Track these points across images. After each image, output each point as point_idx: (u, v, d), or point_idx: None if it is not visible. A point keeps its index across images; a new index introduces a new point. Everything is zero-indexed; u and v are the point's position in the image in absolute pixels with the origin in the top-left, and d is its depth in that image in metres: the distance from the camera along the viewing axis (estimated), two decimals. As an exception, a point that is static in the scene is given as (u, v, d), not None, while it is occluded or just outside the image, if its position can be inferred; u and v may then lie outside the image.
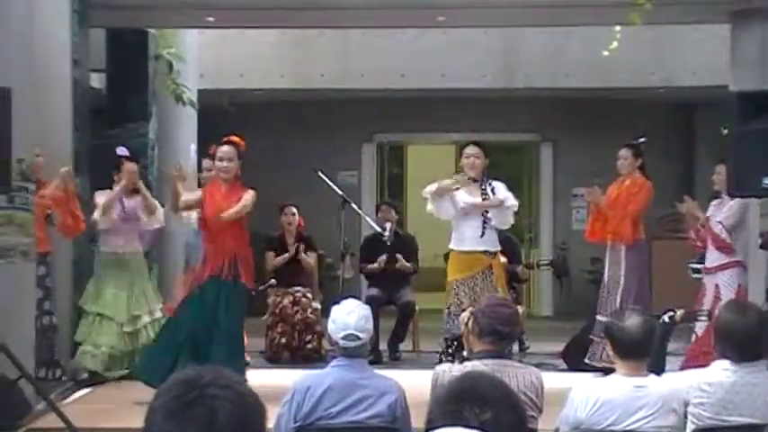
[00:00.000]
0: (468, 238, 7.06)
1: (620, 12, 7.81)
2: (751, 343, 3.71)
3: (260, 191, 6.93)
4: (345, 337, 3.89)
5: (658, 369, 3.98)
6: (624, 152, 7.71)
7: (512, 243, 8.78)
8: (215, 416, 1.60)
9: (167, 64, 9.58)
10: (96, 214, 7.55)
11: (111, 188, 7.69)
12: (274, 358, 8.60)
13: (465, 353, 4.02)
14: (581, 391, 3.69)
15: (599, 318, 7.50)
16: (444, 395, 2.00)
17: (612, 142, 8.36)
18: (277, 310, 8.70)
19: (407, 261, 9.06)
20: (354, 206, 8.34)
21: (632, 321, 3.65)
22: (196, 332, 6.49)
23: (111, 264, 7.73)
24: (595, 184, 7.80)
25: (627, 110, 12.06)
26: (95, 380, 7.52)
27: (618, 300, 7.46)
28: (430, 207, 7.18)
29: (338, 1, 8.21)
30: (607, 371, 3.96)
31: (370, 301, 8.68)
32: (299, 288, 8.83)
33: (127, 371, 7.53)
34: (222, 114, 10.44)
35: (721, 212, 7.29)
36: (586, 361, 7.59)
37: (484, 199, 7.06)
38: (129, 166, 7.76)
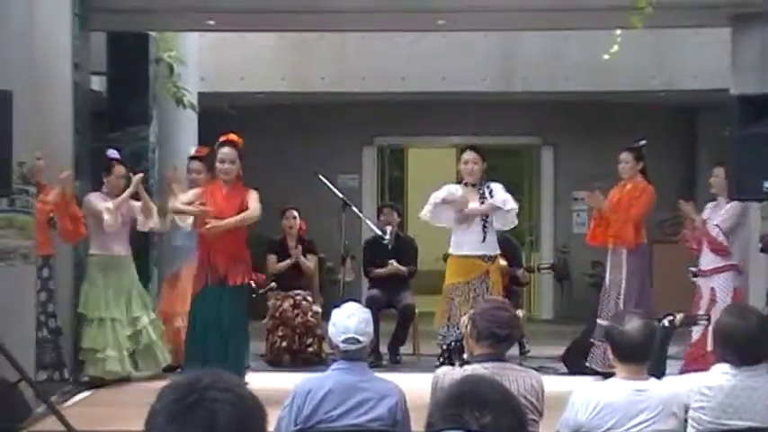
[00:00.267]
0: (468, 243, 7.02)
1: (620, 15, 7.82)
2: (751, 346, 3.70)
3: (260, 194, 6.93)
4: (346, 341, 3.89)
5: (659, 373, 3.97)
6: (625, 156, 7.69)
7: (512, 246, 8.78)
8: (215, 419, 1.60)
9: (168, 67, 9.59)
10: (110, 219, 7.55)
11: (99, 190, 7.74)
12: (275, 361, 8.60)
13: (465, 356, 4.01)
14: (581, 395, 3.68)
15: (600, 321, 7.49)
16: (444, 398, 2.00)
17: (613, 146, 8.36)
18: (277, 314, 8.70)
19: (407, 264, 9.06)
20: (355, 209, 8.34)
21: (633, 325, 3.65)
22: (206, 331, 6.52)
23: (108, 267, 7.73)
24: (596, 188, 7.79)
25: (627, 113, 12.07)
26: (96, 382, 7.53)
27: (619, 303, 7.45)
28: (425, 214, 7.14)
29: (338, 4, 8.22)
30: (607, 375, 3.96)
31: (370, 301, 8.72)
32: (299, 291, 8.83)
33: (129, 373, 7.59)
34: (222, 117, 10.44)
35: (718, 215, 7.29)
36: (587, 364, 7.59)
37: (482, 203, 7.03)
38: (119, 170, 7.78)
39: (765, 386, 3.70)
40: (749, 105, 6.13)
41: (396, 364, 8.78)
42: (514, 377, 3.69)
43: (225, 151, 6.68)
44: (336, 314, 3.99)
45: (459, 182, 7.20)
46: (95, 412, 6.76)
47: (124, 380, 7.61)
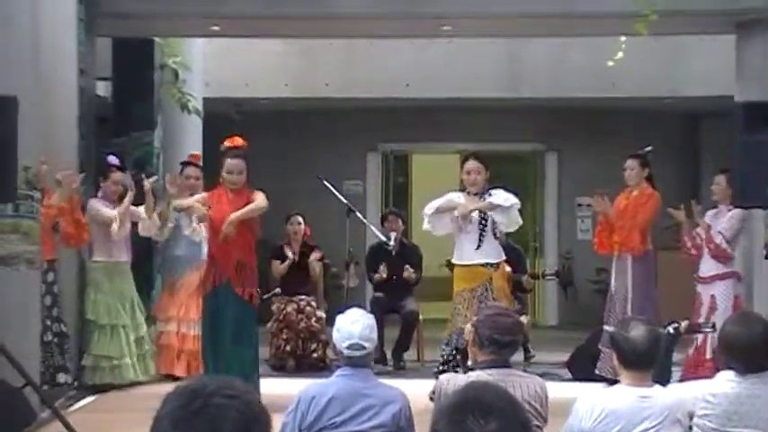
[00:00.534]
0: (466, 251, 6.99)
1: (625, 22, 7.82)
2: (756, 354, 3.70)
3: (266, 198, 6.94)
4: (350, 347, 3.89)
5: (663, 380, 3.96)
6: (631, 163, 7.68)
7: (516, 252, 8.77)
8: (220, 425, 1.60)
9: (173, 73, 9.61)
10: (118, 228, 7.57)
11: (96, 195, 7.78)
12: (279, 366, 8.60)
13: (469, 363, 4.01)
14: (586, 401, 3.68)
15: (606, 328, 7.48)
16: (449, 405, 2.00)
17: (617, 152, 8.36)
18: (281, 317, 8.69)
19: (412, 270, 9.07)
20: (359, 215, 8.35)
21: (637, 332, 3.64)
22: (216, 336, 6.56)
23: (114, 273, 7.74)
24: (602, 193, 7.76)
25: (632, 120, 12.07)
26: (102, 388, 7.54)
27: (626, 310, 7.43)
28: (426, 225, 7.14)
29: (343, 11, 8.23)
30: (614, 382, 3.95)
31: (374, 304, 8.73)
32: (303, 296, 8.83)
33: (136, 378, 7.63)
34: (227, 123, 10.45)
35: (720, 222, 7.28)
36: (597, 372, 7.55)
37: (481, 212, 6.98)
38: (116, 176, 7.79)
39: (770, 393, 3.70)
40: (754, 112, 6.13)
41: (400, 370, 8.78)
42: (518, 383, 3.68)
43: (233, 163, 6.67)
44: (341, 320, 3.99)
45: (461, 190, 7.17)
46: (100, 417, 6.76)
47: (129, 385, 7.61)
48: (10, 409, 5.56)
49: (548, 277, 9.79)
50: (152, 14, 8.30)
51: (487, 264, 6.96)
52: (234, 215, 6.55)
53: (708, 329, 5.84)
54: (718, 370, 3.88)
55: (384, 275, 8.93)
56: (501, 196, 6.99)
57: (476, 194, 7.01)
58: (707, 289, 7.27)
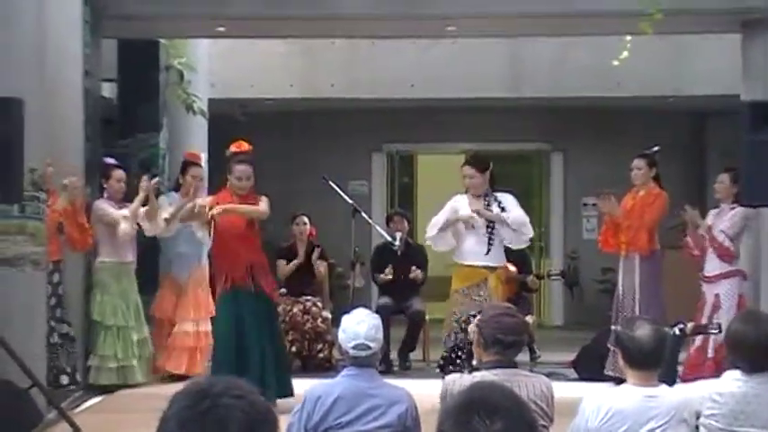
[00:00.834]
0: (471, 253, 6.93)
1: (629, 21, 7.82)
2: (762, 353, 3.69)
3: (270, 200, 6.95)
4: (356, 347, 3.89)
5: (670, 381, 3.96)
6: (638, 162, 7.66)
7: (522, 252, 8.76)
8: (227, 425, 1.60)
9: (178, 74, 9.62)
10: (127, 228, 7.59)
11: (101, 197, 7.79)
12: (285, 367, 8.60)
13: (474, 363, 4.01)
14: (592, 401, 3.68)
15: (614, 328, 7.46)
16: (455, 405, 2.00)
17: (622, 151, 8.36)
18: (287, 319, 8.70)
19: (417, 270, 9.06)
20: (365, 215, 8.35)
21: (643, 331, 3.64)
22: (236, 343, 6.59)
23: (121, 273, 7.75)
24: (608, 193, 7.74)
25: (637, 119, 12.05)
26: (108, 388, 7.56)
27: (633, 310, 7.42)
28: (428, 241, 7.13)
29: (348, 11, 8.23)
30: (620, 381, 3.95)
31: (380, 310, 8.71)
32: (309, 297, 8.83)
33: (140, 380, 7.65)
34: (232, 124, 10.47)
35: (723, 221, 7.28)
36: (605, 372, 7.54)
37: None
38: (118, 174, 7.80)
39: (777, 393, 3.69)
40: (759, 111, 6.12)
41: (405, 370, 8.78)
42: (524, 383, 3.68)
43: (242, 169, 6.72)
44: (346, 320, 3.99)
45: (466, 191, 7.13)
46: (106, 418, 6.77)
47: (135, 386, 7.63)
48: (17, 410, 5.58)
49: (553, 277, 9.78)
50: (157, 16, 8.32)
51: (488, 267, 6.94)
52: (231, 206, 6.59)
53: (713, 331, 5.83)
54: (720, 370, 3.88)
55: (390, 277, 8.93)
56: (515, 214, 6.89)
57: (479, 196, 6.98)
58: (712, 288, 7.27)
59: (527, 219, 7.02)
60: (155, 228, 7.91)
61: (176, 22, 8.66)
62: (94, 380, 7.57)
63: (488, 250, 6.90)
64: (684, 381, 4.98)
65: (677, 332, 4.44)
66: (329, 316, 8.74)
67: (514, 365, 3.82)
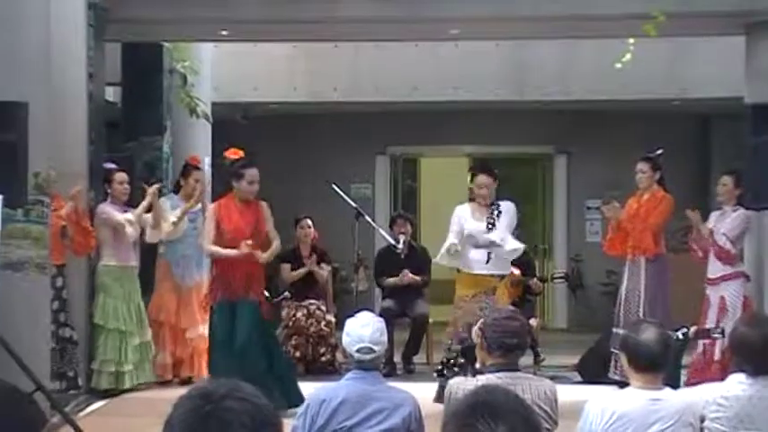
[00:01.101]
0: (476, 262, 6.94)
1: (633, 24, 7.81)
2: (767, 356, 3.69)
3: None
4: (360, 350, 3.89)
5: (672, 384, 3.95)
6: (642, 165, 7.65)
7: (526, 255, 8.75)
8: (230, 429, 1.60)
9: (181, 77, 9.63)
10: (132, 231, 7.59)
11: (105, 200, 7.79)
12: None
13: (478, 366, 4.01)
14: (596, 404, 3.67)
15: (616, 330, 7.46)
16: (458, 409, 2.00)
17: (626, 154, 8.36)
18: (291, 323, 8.70)
19: (421, 273, 9.06)
20: (368, 219, 8.35)
21: (649, 335, 3.63)
22: (243, 347, 6.64)
23: (124, 277, 7.75)
24: (613, 199, 7.74)
25: (641, 122, 12.04)
26: (112, 392, 7.56)
27: (638, 313, 7.41)
28: (439, 261, 7.09)
29: (351, 14, 8.23)
30: (625, 385, 3.95)
31: (384, 314, 8.70)
32: (312, 301, 8.83)
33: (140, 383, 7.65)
34: (236, 127, 10.47)
35: (724, 223, 7.27)
36: (609, 375, 7.52)
37: (489, 224, 6.89)
38: (121, 176, 7.81)
39: (782, 396, 3.68)
40: (763, 114, 6.12)
41: (409, 373, 8.77)
42: (528, 386, 3.68)
43: (253, 173, 6.80)
44: (351, 323, 3.99)
45: (471, 199, 7.07)
46: (110, 422, 6.78)
47: (138, 389, 7.63)
48: (20, 414, 5.57)
49: (557, 280, 9.78)
50: (161, 19, 8.33)
51: (494, 275, 6.92)
52: (263, 258, 6.78)
53: (717, 335, 5.83)
54: (727, 373, 3.87)
55: (404, 282, 8.90)
56: (503, 226, 6.88)
57: (485, 205, 6.96)
58: (715, 291, 7.26)
59: (517, 245, 7.00)
60: (157, 235, 7.92)
61: (180, 25, 8.67)
62: (96, 384, 7.57)
63: (488, 259, 6.90)
64: (690, 384, 4.99)
65: (680, 336, 4.44)
66: (333, 319, 8.73)
67: (518, 368, 3.82)
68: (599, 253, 8.36)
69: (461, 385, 3.72)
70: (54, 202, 6.82)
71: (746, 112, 7.45)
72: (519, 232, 7.99)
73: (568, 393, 5.59)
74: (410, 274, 8.96)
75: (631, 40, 8.86)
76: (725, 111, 10.66)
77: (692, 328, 4.62)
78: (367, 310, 4.29)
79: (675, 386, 4.07)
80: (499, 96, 11.24)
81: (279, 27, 8.68)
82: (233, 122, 10.63)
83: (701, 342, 7.16)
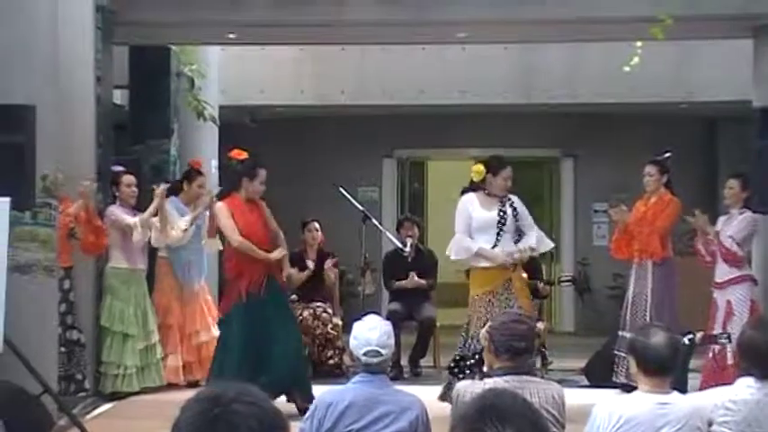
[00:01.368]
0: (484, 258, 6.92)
1: (640, 27, 7.80)
2: (775, 360, 3.68)
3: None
4: (367, 353, 3.89)
5: (680, 390, 3.94)
6: (650, 169, 7.64)
7: (533, 258, 8.74)
8: (238, 432, 1.61)
9: (189, 80, 9.65)
10: (140, 234, 7.60)
11: (113, 203, 7.81)
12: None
13: (485, 368, 4.01)
14: (604, 408, 3.67)
15: (622, 334, 7.44)
16: (466, 412, 2.00)
17: (633, 157, 8.35)
18: (298, 323, 8.69)
19: (428, 276, 9.06)
20: (375, 222, 8.35)
21: (658, 338, 3.62)
22: (250, 346, 6.66)
23: (131, 280, 7.76)
24: (621, 202, 7.72)
25: (648, 125, 12.03)
26: (119, 395, 7.57)
27: (645, 316, 7.40)
28: (455, 257, 7.04)
29: (357, 17, 8.24)
30: (630, 387, 3.94)
31: (391, 316, 8.71)
32: (319, 303, 8.83)
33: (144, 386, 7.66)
34: (243, 130, 10.49)
35: (731, 226, 7.25)
36: (613, 379, 7.50)
37: (501, 214, 6.91)
38: (128, 179, 7.82)
39: (790, 400, 3.67)
40: (771, 117, 6.10)
41: (416, 376, 8.77)
42: (535, 390, 3.68)
43: (264, 173, 6.91)
44: (358, 327, 3.99)
45: (471, 189, 7.00)
46: (117, 425, 6.79)
47: (146, 392, 7.64)
48: (28, 416, 5.58)
49: (564, 283, 9.76)
50: (168, 23, 8.34)
51: (503, 265, 6.82)
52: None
53: (723, 341, 5.80)
54: (740, 376, 3.86)
55: (411, 285, 8.91)
56: (531, 239, 6.90)
57: (495, 196, 6.92)
58: (723, 294, 7.23)
59: (541, 234, 7.02)
60: (163, 240, 7.92)
61: (187, 28, 8.68)
62: (103, 386, 7.58)
63: (495, 245, 6.80)
64: (704, 389, 4.97)
65: (686, 342, 4.44)
66: (340, 322, 8.74)
67: (526, 372, 3.81)
68: (606, 256, 8.35)
69: (469, 388, 3.72)
70: (62, 205, 6.84)
71: (754, 116, 7.44)
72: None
73: (575, 397, 5.58)
74: (416, 277, 8.96)
75: (639, 44, 8.85)
76: (732, 114, 10.65)
77: (699, 334, 4.60)
78: (374, 313, 4.29)
79: (683, 390, 4.06)
80: (506, 100, 11.23)
81: (286, 30, 8.69)
82: (240, 125, 10.64)
83: (714, 346, 7.14)
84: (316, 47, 10.62)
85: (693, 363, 6.46)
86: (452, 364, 6.84)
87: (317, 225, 9.09)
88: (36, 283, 6.15)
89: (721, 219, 7.47)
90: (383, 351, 3.90)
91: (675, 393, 3.68)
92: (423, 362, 9.01)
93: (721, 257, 7.23)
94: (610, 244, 8.04)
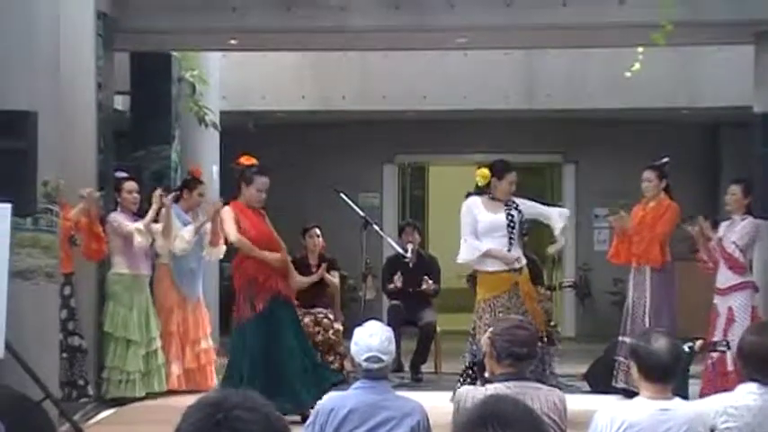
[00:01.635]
0: (492, 258, 6.92)
1: (642, 33, 7.81)
2: (777, 365, 3.67)
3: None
4: (368, 359, 3.89)
5: (682, 396, 3.94)
6: (648, 174, 7.63)
7: (534, 264, 8.73)
8: (240, 439, 1.60)
9: (190, 86, 9.66)
10: (143, 240, 7.60)
11: (114, 209, 7.81)
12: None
13: (487, 374, 4.00)
14: (605, 414, 3.66)
15: (623, 339, 7.43)
16: (468, 418, 2.00)
17: (635, 163, 8.34)
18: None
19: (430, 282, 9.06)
20: (376, 227, 8.35)
21: (660, 344, 3.62)
22: (268, 351, 6.68)
23: (134, 286, 7.76)
24: (621, 209, 7.72)
25: (649, 130, 12.03)
26: (120, 401, 7.56)
27: (644, 322, 7.39)
28: (465, 260, 7.01)
29: (359, 24, 8.25)
30: (631, 393, 3.94)
31: (391, 312, 8.74)
32: (320, 309, 8.82)
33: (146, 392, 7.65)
34: (244, 136, 10.49)
35: (734, 232, 7.24)
36: (613, 384, 7.49)
37: (509, 217, 6.88)
38: (130, 185, 7.83)
39: (792, 406, 3.67)
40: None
41: (417, 382, 8.76)
42: (536, 395, 3.68)
43: (264, 181, 6.90)
44: (359, 333, 3.99)
45: (476, 194, 7.00)
46: (118, 431, 6.77)
47: (147, 398, 7.63)
48: (30, 422, 5.57)
49: (565, 289, 9.76)
50: (169, 29, 8.35)
51: (512, 269, 6.83)
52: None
53: (722, 348, 5.80)
54: (743, 382, 3.85)
55: (399, 285, 8.93)
56: (560, 223, 7.03)
57: (500, 200, 6.93)
58: (724, 301, 7.22)
59: (561, 211, 7.24)
60: (167, 247, 7.91)
61: (188, 35, 8.69)
62: (105, 392, 7.57)
63: (509, 251, 6.79)
64: (704, 396, 4.96)
65: (686, 349, 4.43)
66: (341, 328, 8.73)
67: (527, 378, 3.81)
68: (607, 262, 8.33)
69: (470, 394, 3.72)
70: (63, 211, 6.84)
71: (755, 121, 7.44)
72: (527, 240, 8.00)
73: (576, 403, 5.58)
74: (429, 281, 8.96)
75: (640, 50, 8.86)
76: (734, 119, 10.65)
77: (698, 342, 4.60)
78: (375, 319, 4.29)
79: (684, 396, 4.06)
80: (507, 105, 11.24)
81: (287, 36, 8.70)
82: (241, 131, 10.65)
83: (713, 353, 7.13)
84: (317, 52, 10.63)
85: (693, 369, 6.46)
86: (462, 378, 6.76)
87: (317, 231, 9.08)
88: (37, 288, 6.15)
89: (723, 224, 7.46)
90: (384, 357, 3.90)
91: (677, 399, 3.67)
92: (424, 368, 9.00)
93: (725, 264, 7.22)
94: (610, 249, 8.03)
